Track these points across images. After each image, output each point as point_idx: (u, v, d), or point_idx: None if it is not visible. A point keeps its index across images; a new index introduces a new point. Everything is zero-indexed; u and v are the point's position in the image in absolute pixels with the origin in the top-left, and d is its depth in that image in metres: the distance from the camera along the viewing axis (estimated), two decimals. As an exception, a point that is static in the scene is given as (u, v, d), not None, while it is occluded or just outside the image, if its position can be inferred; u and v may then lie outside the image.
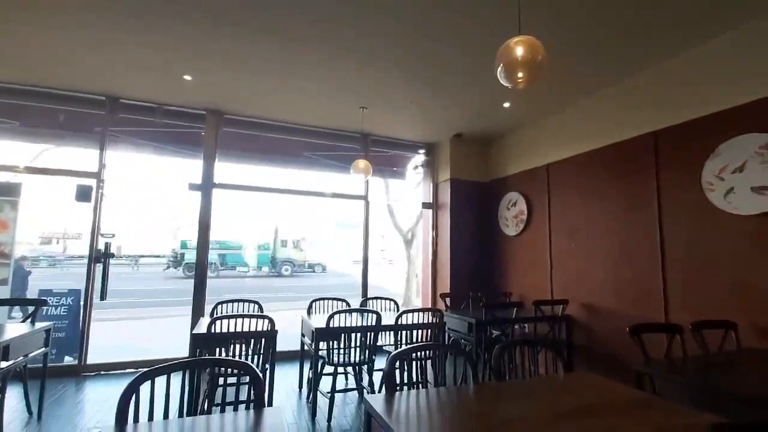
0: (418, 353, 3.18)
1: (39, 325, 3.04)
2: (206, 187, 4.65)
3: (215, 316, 3.36)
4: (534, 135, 4.88)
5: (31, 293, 4.93)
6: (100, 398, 3.51)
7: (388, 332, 3.39)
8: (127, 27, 3.04)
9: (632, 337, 2.43)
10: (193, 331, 2.85)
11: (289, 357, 4.64)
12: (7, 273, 3.90)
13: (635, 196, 3.56)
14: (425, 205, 5.93)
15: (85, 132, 4.47)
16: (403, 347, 3.33)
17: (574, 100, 4.22)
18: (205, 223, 4.62)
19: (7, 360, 2.52)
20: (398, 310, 4.25)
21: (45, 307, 4.10)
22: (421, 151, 6.01)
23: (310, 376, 3.66)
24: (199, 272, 4.56)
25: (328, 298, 4.10)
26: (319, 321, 3.37)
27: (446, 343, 3.97)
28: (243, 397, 3.16)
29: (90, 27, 3.05)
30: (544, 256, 4.54)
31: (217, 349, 2.71)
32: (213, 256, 18.76)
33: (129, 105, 4.45)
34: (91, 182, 4.19)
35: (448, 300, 4.72)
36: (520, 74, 1.86)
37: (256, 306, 3.65)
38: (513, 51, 1.84)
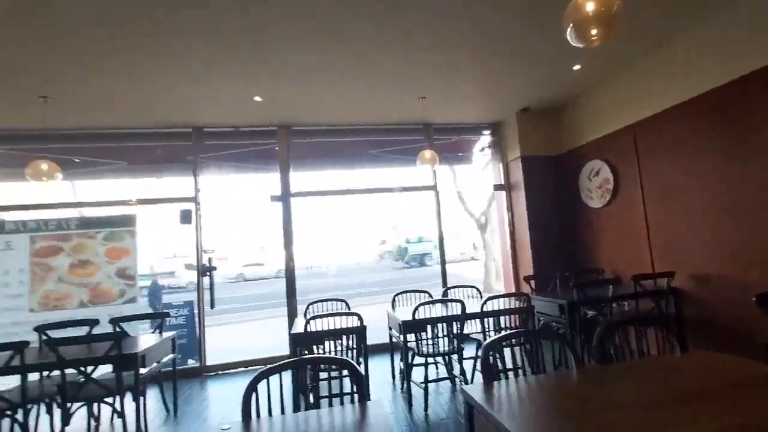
0: (511, 340, 3.10)
1: (166, 334, 3.51)
2: (285, 197, 4.98)
3: (308, 315, 3.60)
4: (612, 95, 4.45)
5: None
6: (220, 395, 3.98)
7: (474, 320, 3.35)
8: (202, 65, 3.36)
9: (760, 308, 2.13)
10: (292, 332, 3.08)
11: (378, 350, 4.80)
12: (135, 293, 4.56)
13: (744, 146, 3.08)
14: (497, 187, 5.73)
15: (179, 162, 5.04)
16: (495, 335, 3.27)
17: (656, 47, 3.77)
18: (288, 230, 4.95)
19: (144, 367, 2.96)
20: (481, 298, 4.18)
21: (168, 318, 4.72)
22: (486, 132, 5.81)
23: (402, 367, 3.77)
24: (289, 276, 4.90)
25: (411, 291, 4.16)
26: (404, 314, 3.44)
27: (536, 327, 3.82)
28: (337, 389, 3.35)
29: (175, 70, 3.43)
30: (638, 225, 4.14)
31: (314, 347, 2.91)
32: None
33: (211, 132, 4.93)
34: (190, 206, 4.72)
35: (533, 282, 4.53)
36: (594, 31, 1.72)
37: (344, 304, 3.83)
38: (583, 7, 1.70)
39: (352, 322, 3.00)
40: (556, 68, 4.05)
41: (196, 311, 4.77)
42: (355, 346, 2.97)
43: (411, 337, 3.21)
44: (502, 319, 3.35)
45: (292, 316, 4.81)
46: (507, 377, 2.98)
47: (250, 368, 4.77)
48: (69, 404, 2.70)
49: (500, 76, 4.12)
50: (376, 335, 4.80)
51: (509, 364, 3.07)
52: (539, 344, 2.06)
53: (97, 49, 3.04)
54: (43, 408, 2.93)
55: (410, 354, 3.29)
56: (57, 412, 2.78)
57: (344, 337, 2.98)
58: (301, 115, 4.80)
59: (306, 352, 2.94)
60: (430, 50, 3.45)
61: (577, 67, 4.06)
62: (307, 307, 3.81)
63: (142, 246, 4.73)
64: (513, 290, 5.45)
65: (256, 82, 3.79)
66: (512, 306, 3.38)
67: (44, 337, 3.16)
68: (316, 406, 2.76)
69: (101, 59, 3.19)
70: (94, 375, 2.71)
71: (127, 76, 3.48)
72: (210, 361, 4.78)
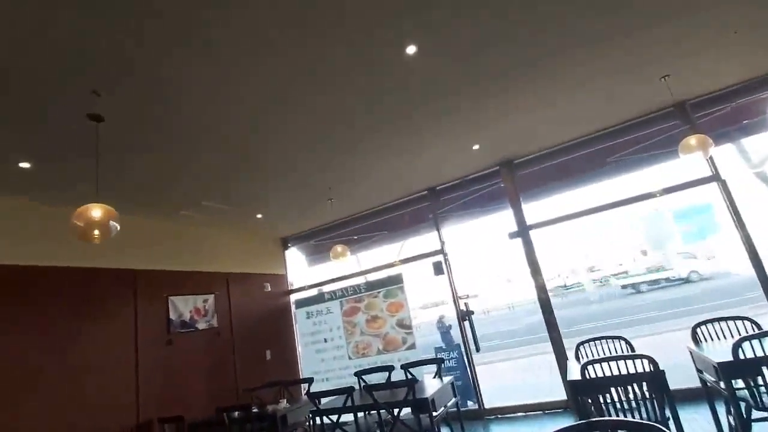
0: None
1: (445, 378, 3.86)
2: (522, 232, 4.88)
3: (581, 358, 3.26)
4: None
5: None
6: (506, 440, 3.99)
7: None
8: (433, 135, 3.92)
9: None
10: (568, 378, 2.84)
11: (682, 396, 3.75)
12: (413, 339, 5.31)
13: None
14: (833, 150, 3.86)
15: (422, 222, 5.79)
16: None
17: None
18: (534, 265, 4.76)
19: (435, 410, 3.31)
20: None
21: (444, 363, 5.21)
22: (784, 80, 4.13)
23: (732, 422, 2.82)
24: (544, 308, 4.63)
25: (721, 319, 3.18)
26: (717, 351, 2.64)
27: None
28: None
29: (415, 149, 4.13)
30: None
31: (600, 396, 2.57)
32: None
33: (443, 189, 5.50)
34: (439, 258, 5.27)
35: None
36: None
37: (623, 342, 3.28)
38: None
39: (642, 365, 2.51)
40: None
41: (464, 354, 5.08)
42: (653, 397, 2.45)
43: (738, 382, 2.40)
44: None
45: (559, 353, 4.45)
46: None
47: (528, 413, 4.61)
48: (387, 440, 3.29)
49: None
50: (671, 376, 3.83)
51: None
52: None
53: (358, 158, 4.05)
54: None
55: (743, 406, 2.44)
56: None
57: (634, 384, 2.51)
58: (521, 146, 4.74)
59: (589, 401, 2.63)
60: (666, 11, 2.81)
61: None
62: (578, 348, 3.45)
63: (412, 297, 5.51)
64: None
65: (470, 132, 4.06)
66: None
67: (362, 382, 4.03)
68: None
69: (362, 164, 4.20)
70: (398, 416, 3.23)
71: (379, 165, 4.40)
72: (487, 403, 4.90)
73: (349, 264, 5.56)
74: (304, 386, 5.19)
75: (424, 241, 5.81)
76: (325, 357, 5.81)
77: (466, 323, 4.98)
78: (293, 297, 6.36)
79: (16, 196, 3.50)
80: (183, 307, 4.62)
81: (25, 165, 3.02)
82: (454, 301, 5.09)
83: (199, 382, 4.54)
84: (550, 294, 4.73)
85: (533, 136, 4.49)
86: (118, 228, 2.37)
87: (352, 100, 3.04)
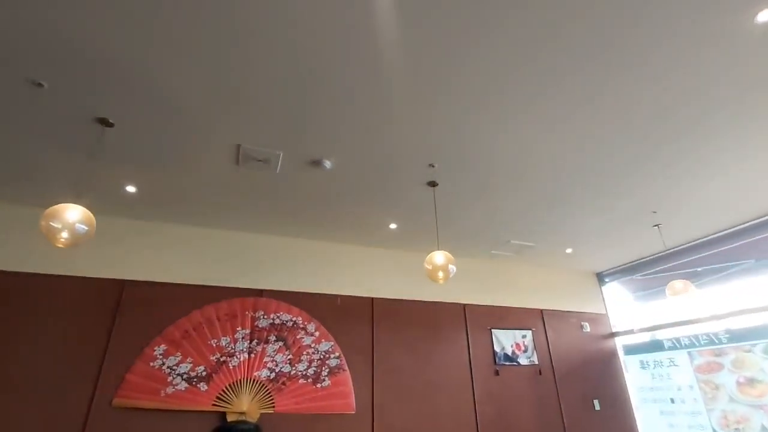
0: None
1: None
2: None
3: None
4: None
5: None
6: None
7: None
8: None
9: None
10: None
11: None
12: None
13: None
14: None
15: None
16: None
17: None
18: None
19: None
20: None
21: None
22: None
23: None
24: None
25: None
26: None
27: None
28: None
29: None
30: None
31: None
32: None
33: None
34: None
35: None
36: None
37: None
38: None
39: None
40: None
41: None
42: None
43: None
44: None
45: None
46: None
47: None
48: None
49: None
50: None
51: None
52: None
53: (693, 163, 3.26)
54: None
55: None
56: None
57: None
58: None
59: None
60: None
61: None
62: None
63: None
64: None
65: None
66: None
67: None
68: None
69: (701, 170, 3.36)
70: None
71: (730, 167, 3.40)
72: None
73: (693, 303, 4.37)
74: (650, 453, 4.30)
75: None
76: (674, 422, 4.65)
77: None
78: (619, 341, 5.56)
79: (389, 248, 4.92)
80: (504, 340, 4.92)
81: (393, 226, 4.23)
82: None
83: (527, 418, 4.60)
84: None
85: None
86: (455, 270, 2.89)
87: (689, 81, 2.34)
